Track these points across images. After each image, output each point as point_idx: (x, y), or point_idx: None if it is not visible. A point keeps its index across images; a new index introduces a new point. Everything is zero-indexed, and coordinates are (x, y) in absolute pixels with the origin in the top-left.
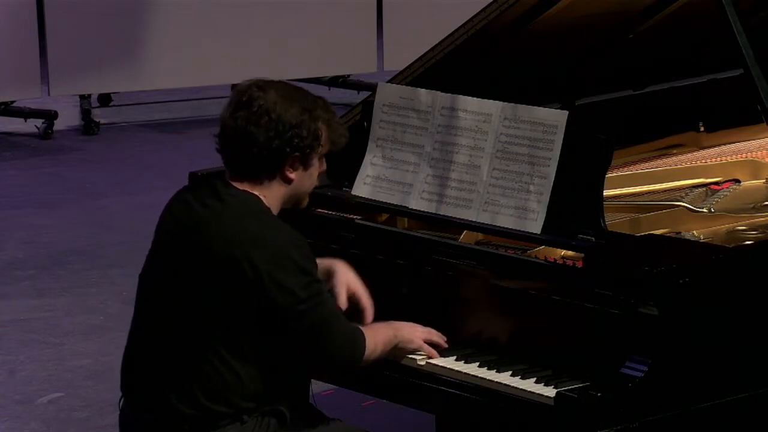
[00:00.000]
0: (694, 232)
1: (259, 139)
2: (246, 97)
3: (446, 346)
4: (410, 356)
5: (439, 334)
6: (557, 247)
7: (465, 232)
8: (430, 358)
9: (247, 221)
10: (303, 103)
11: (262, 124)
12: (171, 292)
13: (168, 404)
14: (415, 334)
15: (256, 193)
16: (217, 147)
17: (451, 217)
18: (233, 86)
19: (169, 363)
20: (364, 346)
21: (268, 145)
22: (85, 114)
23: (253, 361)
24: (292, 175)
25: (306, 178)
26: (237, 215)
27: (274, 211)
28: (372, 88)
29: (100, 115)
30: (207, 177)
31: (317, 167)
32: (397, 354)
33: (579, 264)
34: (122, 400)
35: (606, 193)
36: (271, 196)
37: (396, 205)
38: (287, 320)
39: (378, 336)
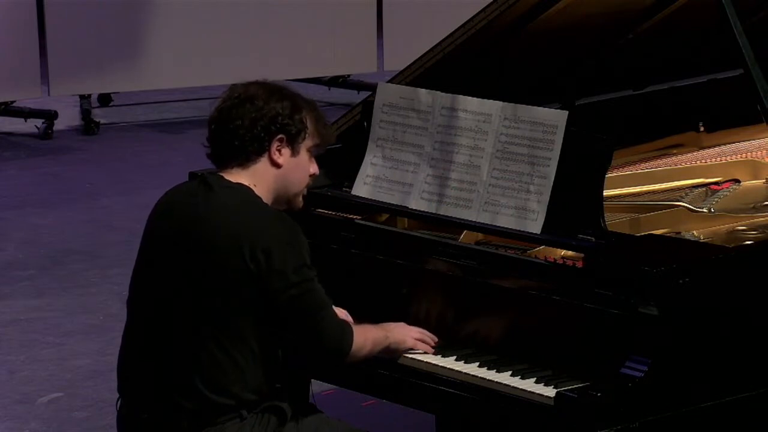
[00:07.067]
0: (694, 232)
1: (245, 122)
2: (229, 93)
3: (434, 345)
4: (407, 355)
5: (430, 334)
6: (557, 247)
7: (465, 232)
8: (425, 355)
9: (242, 211)
10: (284, 93)
11: (246, 108)
12: (169, 288)
13: (168, 401)
14: (407, 335)
15: (246, 181)
16: (207, 153)
17: (451, 217)
18: (232, 86)
19: (168, 359)
20: (352, 340)
21: (254, 126)
22: (85, 114)
23: (253, 351)
24: (279, 159)
25: (294, 168)
26: (231, 206)
27: (267, 201)
28: (372, 88)
29: (100, 115)
30: (198, 174)
31: (307, 159)
32: (390, 355)
33: (579, 264)
34: (119, 401)
35: (606, 193)
36: (261, 182)
37: (396, 205)
38: (278, 304)
39: (368, 334)
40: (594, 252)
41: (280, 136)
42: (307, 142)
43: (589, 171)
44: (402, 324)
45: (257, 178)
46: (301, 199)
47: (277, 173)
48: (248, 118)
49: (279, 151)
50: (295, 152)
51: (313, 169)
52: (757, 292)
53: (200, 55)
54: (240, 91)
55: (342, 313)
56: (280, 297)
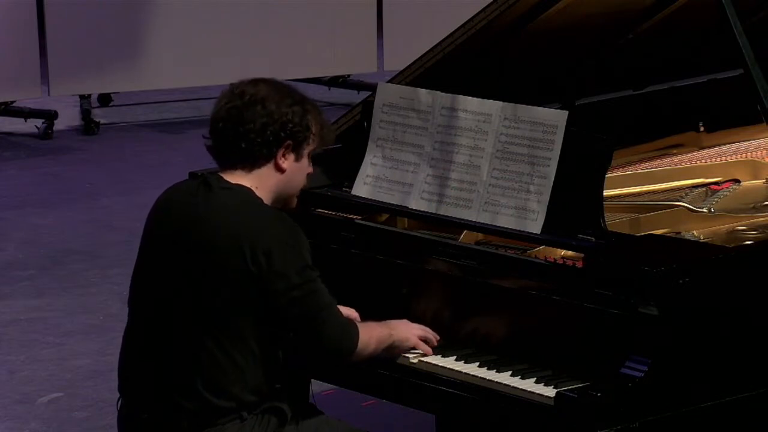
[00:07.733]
0: (694, 232)
1: (255, 125)
2: (238, 91)
3: (436, 344)
4: (407, 355)
5: (433, 332)
6: (557, 247)
7: (465, 232)
8: (425, 356)
9: (242, 211)
10: (293, 96)
11: (257, 111)
12: (169, 288)
13: (168, 402)
14: (410, 332)
15: (249, 184)
16: (207, 144)
17: (451, 217)
18: (238, 83)
19: (169, 359)
20: (357, 340)
21: (264, 131)
22: (85, 114)
23: (253, 351)
24: (284, 164)
25: (296, 172)
26: (231, 206)
27: (266, 202)
28: (372, 88)
29: (100, 115)
30: (198, 174)
31: (307, 163)
32: (393, 353)
33: (579, 264)
34: (120, 401)
35: (606, 193)
36: (264, 186)
37: (396, 205)
38: (279, 305)
39: (372, 332)
40: (594, 252)
41: (288, 142)
42: (310, 147)
43: (589, 171)
44: (405, 321)
45: (260, 182)
46: (295, 199)
47: (280, 178)
48: (259, 123)
49: (284, 156)
50: (299, 157)
51: (309, 168)
52: (757, 292)
53: (200, 55)
54: (251, 91)
55: (350, 312)
56: (281, 298)
